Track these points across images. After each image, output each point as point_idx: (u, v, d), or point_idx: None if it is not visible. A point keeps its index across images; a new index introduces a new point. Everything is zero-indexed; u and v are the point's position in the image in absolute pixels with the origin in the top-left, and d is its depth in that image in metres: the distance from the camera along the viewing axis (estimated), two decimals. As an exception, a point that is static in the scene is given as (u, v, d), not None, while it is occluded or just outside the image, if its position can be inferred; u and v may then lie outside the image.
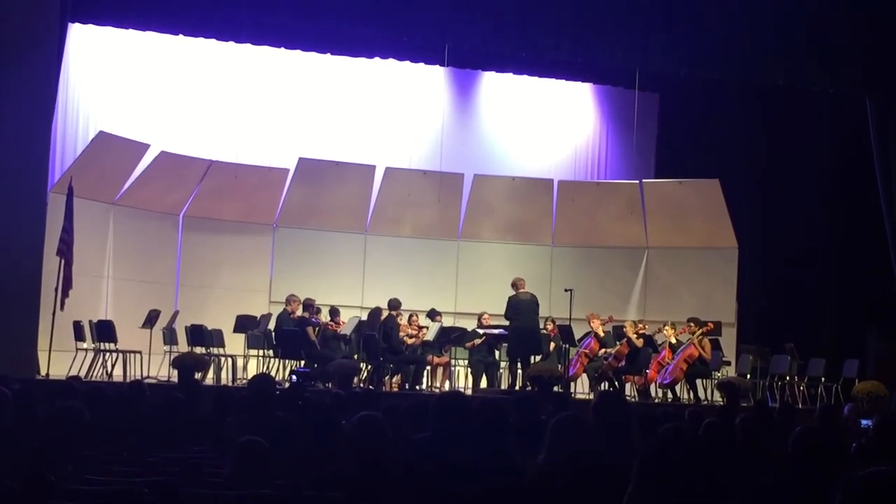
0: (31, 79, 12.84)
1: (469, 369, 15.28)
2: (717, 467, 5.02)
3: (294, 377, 13.34)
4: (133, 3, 15.72)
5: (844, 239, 16.92)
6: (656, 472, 3.41)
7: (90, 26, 15.98)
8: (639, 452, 3.49)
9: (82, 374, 12.93)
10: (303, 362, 14.21)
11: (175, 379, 12.93)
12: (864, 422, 8.74)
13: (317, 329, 14.53)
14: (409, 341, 14.76)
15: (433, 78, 18.33)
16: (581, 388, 15.37)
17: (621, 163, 19.18)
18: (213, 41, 16.71)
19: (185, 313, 15.13)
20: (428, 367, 15.05)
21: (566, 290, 14.46)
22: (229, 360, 14.62)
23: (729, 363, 15.44)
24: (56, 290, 12.97)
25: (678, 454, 3.50)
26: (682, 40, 14.84)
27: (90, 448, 5.61)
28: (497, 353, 15.27)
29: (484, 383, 14.90)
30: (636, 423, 5.53)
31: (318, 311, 14.87)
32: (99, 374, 13.60)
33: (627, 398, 13.43)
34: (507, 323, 14.57)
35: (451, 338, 15.07)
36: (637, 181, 17.72)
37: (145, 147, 15.81)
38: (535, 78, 18.39)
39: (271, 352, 14.74)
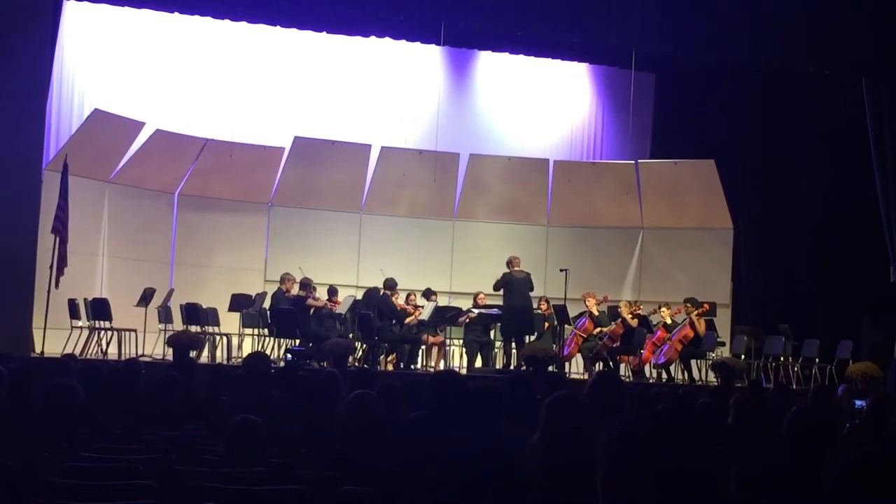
0: (25, 56, 12.77)
1: (464, 349, 15.30)
2: (709, 447, 5.04)
3: (289, 356, 13.38)
4: (128, -20, 15.64)
5: (840, 221, 16.90)
6: (626, 465, 3.41)
7: (85, 3, 15.84)
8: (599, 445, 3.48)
9: (77, 351, 12.94)
10: (297, 341, 14.22)
11: (170, 357, 12.97)
12: (858, 402, 8.75)
13: (318, 301, 14.60)
14: (406, 320, 14.77)
15: (429, 57, 18.27)
16: (576, 367, 15.40)
17: (617, 143, 19.13)
18: (208, 19, 16.56)
19: (180, 292, 15.10)
20: (423, 347, 15.07)
21: (561, 270, 14.47)
22: (224, 338, 14.64)
23: (724, 344, 15.46)
24: (51, 267, 12.96)
25: (637, 446, 3.50)
26: (678, 22, 14.77)
27: (85, 426, 5.61)
28: (492, 332, 15.28)
29: (479, 363, 14.92)
30: (631, 403, 5.55)
31: (314, 289, 14.87)
32: (94, 352, 13.60)
33: (622, 378, 13.45)
34: (502, 303, 14.59)
35: (446, 317, 15.08)
36: (633, 161, 17.69)
37: (140, 125, 15.77)
38: (532, 58, 18.29)
39: (266, 331, 14.74)
